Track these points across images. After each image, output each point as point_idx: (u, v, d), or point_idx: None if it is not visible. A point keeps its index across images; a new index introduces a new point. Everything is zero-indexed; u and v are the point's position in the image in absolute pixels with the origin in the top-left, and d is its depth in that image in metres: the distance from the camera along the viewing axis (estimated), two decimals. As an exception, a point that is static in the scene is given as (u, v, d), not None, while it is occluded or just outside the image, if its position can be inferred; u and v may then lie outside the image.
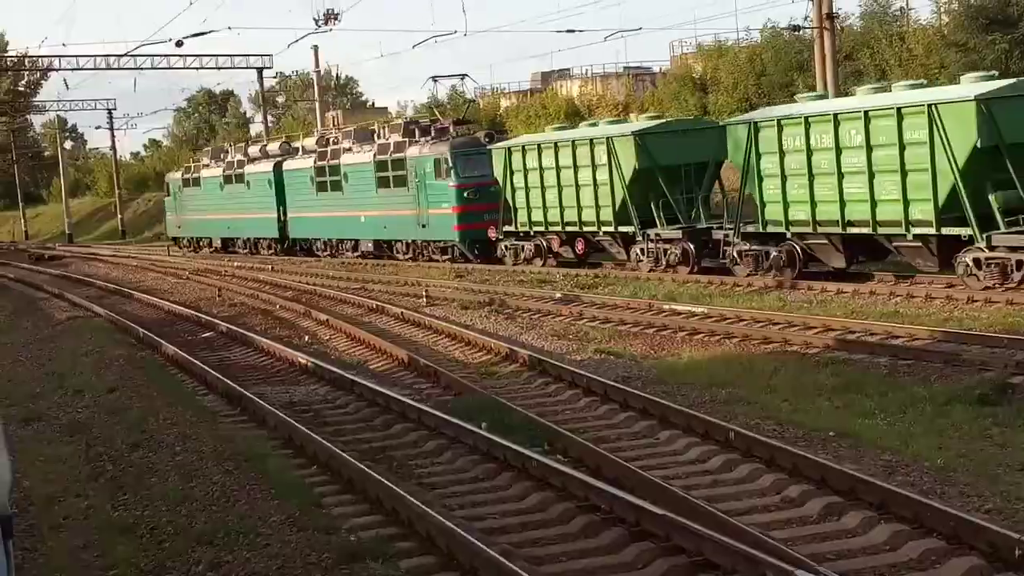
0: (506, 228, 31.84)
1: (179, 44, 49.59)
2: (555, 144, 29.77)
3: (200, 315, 24.72)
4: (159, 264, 43.00)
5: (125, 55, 58.53)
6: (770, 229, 23.51)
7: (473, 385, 14.62)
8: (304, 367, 17.28)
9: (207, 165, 51.79)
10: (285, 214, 44.08)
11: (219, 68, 61.53)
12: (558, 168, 29.67)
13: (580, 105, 58.32)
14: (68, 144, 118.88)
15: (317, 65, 57.79)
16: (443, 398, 14.40)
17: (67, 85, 69.30)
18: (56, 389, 16.91)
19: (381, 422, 13.29)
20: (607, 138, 28.20)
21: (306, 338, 21.18)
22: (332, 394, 15.21)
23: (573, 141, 29.20)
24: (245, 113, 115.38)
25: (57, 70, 62.98)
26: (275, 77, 69.15)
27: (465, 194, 33.90)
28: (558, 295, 23.72)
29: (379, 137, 38.78)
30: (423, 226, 35.50)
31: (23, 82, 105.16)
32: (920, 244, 20.93)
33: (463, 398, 13.99)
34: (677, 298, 22.11)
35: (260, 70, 62.03)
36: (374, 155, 37.83)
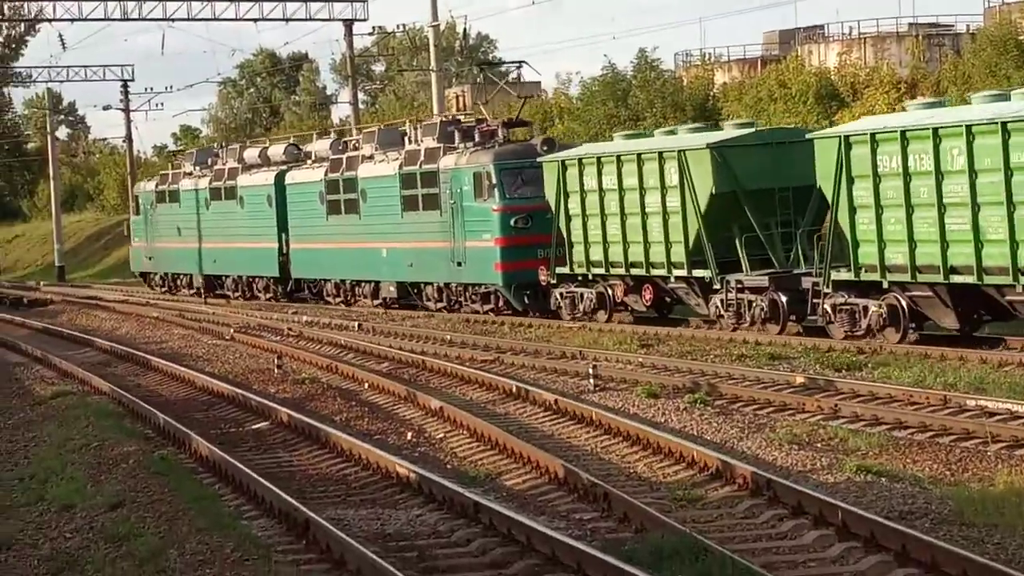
0: (560, 269, 34.67)
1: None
2: (617, 157, 32.32)
3: (249, 396, 25.25)
4: (190, 316, 44.15)
5: None
6: (864, 276, 26.40)
7: (664, 517, 14.56)
8: (405, 480, 17.46)
9: (189, 173, 55.19)
10: (287, 244, 47.50)
11: (287, 21, 63.04)
12: (621, 190, 32.41)
13: (839, 81, 58.02)
14: (63, 132, 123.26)
15: (435, 17, 58.70)
16: (617, 535, 14.36)
17: (63, 44, 71.51)
18: (34, 502, 17.41)
19: (519, 570, 13.34)
20: (679, 151, 30.53)
21: (409, 436, 21.42)
22: (445, 523, 15.32)
23: (639, 154, 31.74)
24: (324, 88, 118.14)
25: (50, 20, 65.41)
26: (371, 34, 70.20)
27: (512, 221, 36.81)
28: (799, 380, 23.52)
29: (409, 141, 41.69)
30: (458, 264, 38.41)
31: None
32: None
33: (648, 537, 13.94)
34: (988, 389, 21.73)
35: (348, 24, 63.27)
36: (400, 165, 41.00)
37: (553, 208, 35.01)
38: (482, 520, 15.02)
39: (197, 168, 55.25)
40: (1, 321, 47.54)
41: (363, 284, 44.10)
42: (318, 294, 47.12)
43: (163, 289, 57.77)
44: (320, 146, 48.15)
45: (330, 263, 45.34)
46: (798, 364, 25.74)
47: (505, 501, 16.21)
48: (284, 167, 48.97)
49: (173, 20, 61.71)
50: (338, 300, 45.43)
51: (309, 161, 48.08)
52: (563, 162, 34.58)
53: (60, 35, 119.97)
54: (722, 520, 14.98)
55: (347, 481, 18.25)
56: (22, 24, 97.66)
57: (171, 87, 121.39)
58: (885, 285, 26.63)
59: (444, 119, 43.15)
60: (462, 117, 44.68)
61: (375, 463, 18.64)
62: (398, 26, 72.88)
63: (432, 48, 58.43)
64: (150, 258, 58.67)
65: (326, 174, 45.19)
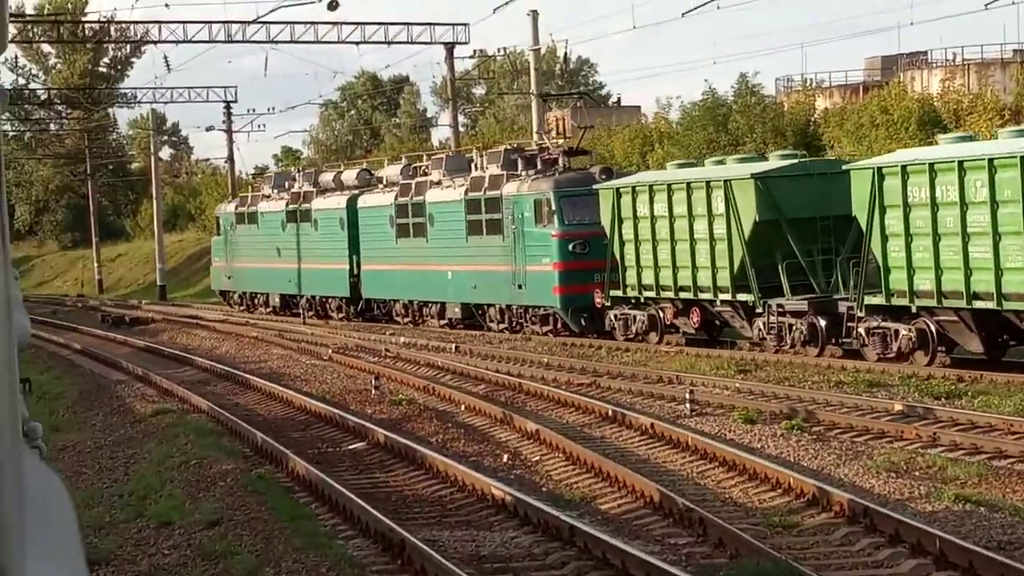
0: (614, 292, 36.80)
1: (332, 7, 51.47)
2: (668, 186, 34.62)
3: (347, 416, 25.41)
4: (289, 336, 44.50)
5: (253, 22, 61.14)
6: (895, 301, 28.40)
7: (759, 543, 14.51)
8: (500, 502, 17.49)
9: (267, 196, 57.90)
10: (359, 265, 49.76)
11: (389, 44, 63.44)
12: (671, 217, 34.56)
13: (942, 108, 57.58)
14: (166, 152, 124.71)
15: (536, 41, 58.88)
16: (712, 561, 14.33)
17: (168, 65, 72.28)
18: (133, 518, 17.62)
19: (613, 594, 13.32)
20: (725, 181, 32.73)
21: (504, 458, 21.47)
22: (540, 546, 15.34)
23: (688, 183, 33.99)
24: (425, 111, 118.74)
25: (155, 43, 66.16)
26: (472, 57, 70.58)
27: (570, 246, 38.92)
28: (897, 408, 23.38)
29: (475, 168, 44.10)
30: (519, 287, 40.61)
31: (106, 60, 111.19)
32: None
33: (743, 563, 13.90)
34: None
35: (450, 47, 63.58)
36: (466, 191, 43.21)
37: (608, 234, 36.80)
38: (577, 543, 15.03)
39: (275, 191, 57.44)
40: (103, 339, 48.12)
41: (430, 305, 45.92)
42: (387, 314, 48.77)
43: (241, 308, 59.76)
44: (391, 171, 50.27)
45: (399, 284, 47.29)
46: (896, 392, 25.58)
47: (600, 525, 16.22)
48: (356, 191, 50.91)
49: (276, 43, 62.24)
50: (406, 320, 47.19)
51: (380, 186, 50.04)
52: (617, 190, 36.45)
53: (165, 57, 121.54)
54: (818, 547, 14.91)
55: (442, 502, 18.31)
56: (128, 46, 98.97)
57: (273, 109, 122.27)
58: (913, 310, 28.33)
59: (508, 147, 44.94)
60: (527, 145, 46.83)
61: (471, 485, 18.69)
62: (499, 50, 73.21)
63: (532, 71, 58.60)
64: (229, 277, 60.84)
65: (396, 198, 47.10)
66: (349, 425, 24.62)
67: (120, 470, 21.68)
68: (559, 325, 39.48)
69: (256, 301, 58.82)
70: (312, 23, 61.84)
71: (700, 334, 35.04)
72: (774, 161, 34.54)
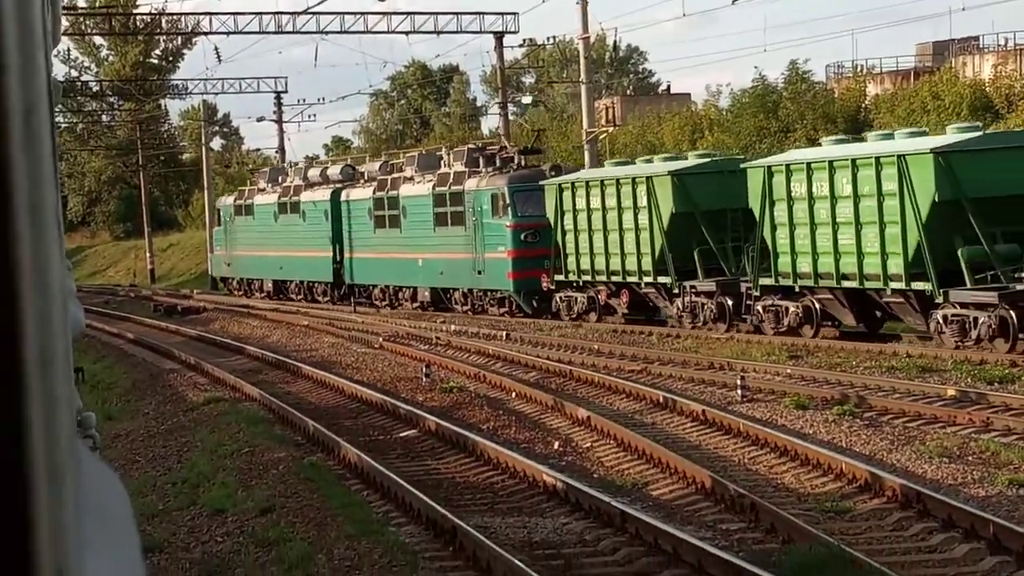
0: (558, 277, 41.32)
1: (381, -3, 51.57)
2: (602, 182, 39.23)
3: (398, 404, 25.45)
4: (340, 324, 44.61)
5: (304, 12, 61.29)
6: (781, 282, 32.67)
7: (812, 529, 14.46)
8: (551, 489, 17.49)
9: (263, 189, 62.44)
10: (341, 253, 54.38)
11: (439, 34, 63.51)
12: (604, 209, 38.93)
13: (993, 93, 57.25)
14: (217, 143, 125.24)
15: (586, 30, 58.77)
16: (764, 546, 14.29)
17: (219, 57, 72.55)
18: (187, 506, 17.71)
19: (665, 580, 13.29)
20: (647, 177, 37.24)
21: (555, 445, 21.46)
22: (592, 532, 15.33)
23: (617, 180, 38.42)
24: (475, 100, 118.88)
25: (206, 34, 66.43)
26: (522, 46, 70.66)
27: (522, 236, 43.21)
28: (950, 392, 23.25)
29: (444, 165, 48.37)
30: (479, 272, 44.94)
31: (157, 51, 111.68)
32: (902, 300, 30.03)
33: (795, 548, 13.86)
34: None
35: (499, 36, 63.57)
36: (433, 186, 47.62)
37: (552, 224, 41.35)
38: (629, 529, 15.02)
39: (269, 185, 61.75)
40: (156, 328, 48.36)
41: (404, 289, 50.44)
42: (368, 298, 52.86)
43: (239, 292, 64.10)
44: (372, 167, 54.97)
45: (377, 271, 51.82)
46: (949, 377, 25.44)
47: (652, 511, 16.20)
48: (340, 185, 55.53)
49: (326, 33, 62.35)
50: (384, 303, 51.24)
51: (362, 180, 54.45)
52: (560, 185, 41.18)
53: (216, 48, 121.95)
54: (871, 532, 14.86)
55: (494, 489, 18.32)
56: (179, 37, 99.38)
57: (323, 99, 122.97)
58: (797, 289, 32.55)
59: (472, 146, 49.63)
60: (490, 144, 50.92)
61: (522, 471, 18.70)
62: (548, 38, 73.16)
63: (582, 60, 58.48)
64: (228, 264, 65.41)
65: (374, 192, 51.64)
66: (400, 413, 24.66)
67: (173, 458, 21.79)
68: (514, 307, 43.59)
69: (252, 287, 63.01)
70: (362, 13, 61.96)
71: (634, 313, 39.13)
72: (692, 160, 38.87)
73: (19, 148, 1.01)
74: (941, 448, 19.06)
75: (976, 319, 27.86)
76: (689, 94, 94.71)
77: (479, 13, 62.89)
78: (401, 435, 23.01)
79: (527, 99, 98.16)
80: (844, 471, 17.41)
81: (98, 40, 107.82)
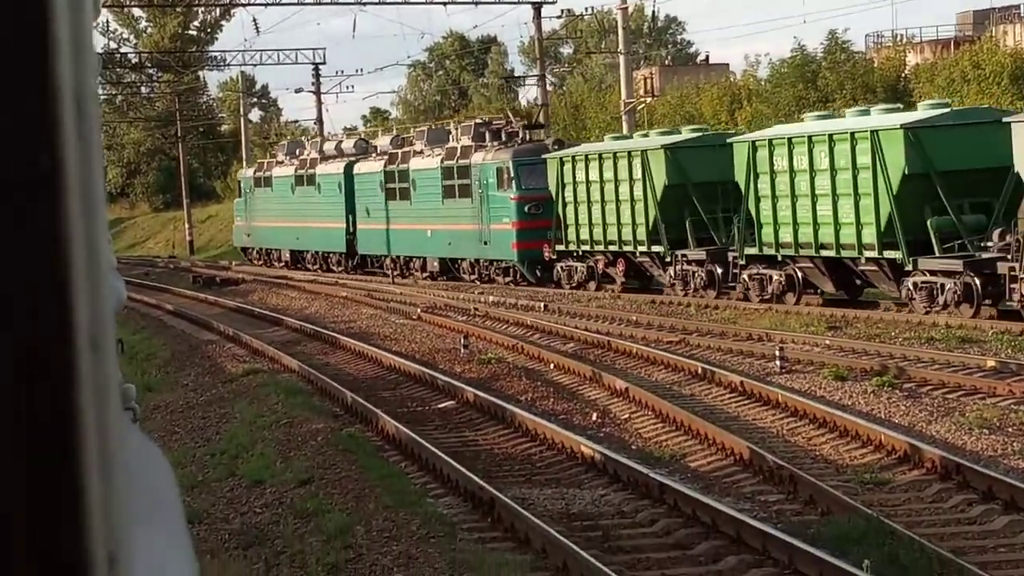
0: (559, 247, 43.27)
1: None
2: (600, 156, 41.22)
3: (436, 375, 25.50)
4: (379, 296, 44.71)
5: (340, -17, 61.21)
6: (765, 251, 34.43)
7: (851, 500, 14.45)
8: (589, 460, 17.52)
9: (281, 162, 65.08)
10: (354, 224, 56.53)
11: (476, 4, 63.41)
12: (602, 182, 40.93)
13: (1034, 63, 56.86)
14: (255, 115, 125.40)
15: (624, 0, 58.66)
16: (803, 518, 14.29)
17: (257, 28, 73.26)
18: (225, 477, 17.80)
19: (704, 551, 13.31)
20: (642, 151, 39.12)
21: (593, 416, 21.49)
22: (630, 503, 15.36)
23: (615, 153, 40.44)
24: (512, 70, 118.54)
25: (245, 5, 66.61)
26: (559, 17, 70.45)
27: (526, 208, 45.08)
28: (990, 364, 23.18)
29: (452, 139, 50.30)
30: (485, 243, 46.88)
31: (196, 23, 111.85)
32: (875, 268, 31.80)
33: (834, 520, 13.85)
34: None
35: (537, 7, 63.45)
36: (442, 160, 49.54)
37: (553, 196, 43.18)
38: (667, 501, 15.04)
39: (287, 158, 64.14)
40: (195, 300, 48.53)
41: (414, 259, 52.27)
42: (380, 267, 54.66)
43: (259, 262, 66.58)
44: (383, 141, 57.33)
45: (388, 241, 53.57)
46: (989, 348, 25.35)
47: (690, 482, 16.22)
48: (353, 158, 57.62)
49: (364, 4, 62.37)
50: (395, 273, 52.46)
51: (374, 154, 56.47)
52: (561, 159, 43.04)
53: (254, 19, 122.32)
54: (910, 504, 14.85)
55: (532, 461, 18.36)
56: (217, 9, 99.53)
57: (361, 70, 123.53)
58: (779, 258, 34.27)
59: (478, 121, 51.18)
60: (496, 119, 52.55)
61: (560, 443, 18.73)
62: (587, 8, 72.90)
63: (620, 30, 58.42)
64: (248, 235, 67.91)
65: (385, 166, 53.65)
66: (438, 384, 24.71)
67: (212, 429, 21.90)
68: (518, 276, 45.52)
69: (271, 256, 65.51)
70: (399, -16, 61.88)
71: (630, 281, 41.14)
72: (685, 134, 40.50)
73: (71, 132, 1.02)
74: (981, 419, 19.02)
75: (943, 285, 29.55)
76: (728, 64, 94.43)
77: (517, -17, 62.79)
78: (439, 406, 23.06)
79: (547, 78, 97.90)
80: (883, 442, 17.39)
81: (137, 11, 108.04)
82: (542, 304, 38.23)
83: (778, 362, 24.56)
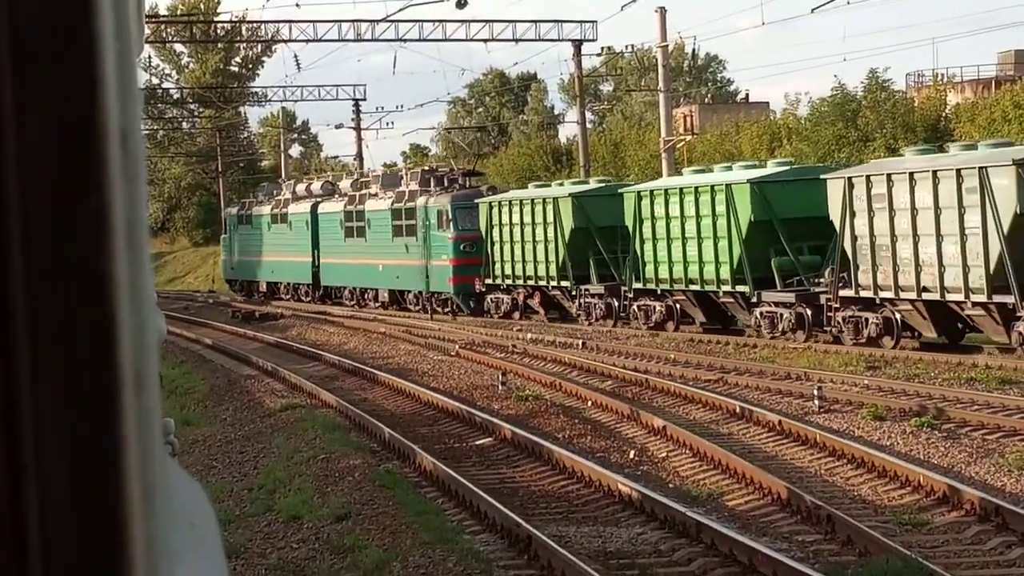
0: (488, 281, 48.92)
1: (461, 5, 51.83)
2: (520, 201, 47.70)
3: (474, 412, 25.50)
4: (417, 332, 44.77)
5: (382, 20, 61.58)
6: (648, 286, 40.60)
7: (889, 541, 14.39)
8: (626, 499, 17.48)
9: (260, 202, 71.40)
10: (319, 258, 62.27)
11: (517, 41, 63.65)
12: (522, 224, 47.04)
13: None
14: (296, 150, 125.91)
15: (664, 38, 58.76)
16: (840, 558, 14.24)
17: (298, 64, 73.18)
18: (263, 512, 17.82)
19: (740, 591, 13.26)
20: (554, 199, 45.56)
21: (631, 454, 21.45)
22: (667, 542, 15.32)
23: (532, 200, 46.91)
24: (553, 108, 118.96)
25: (286, 42, 66.95)
26: (599, 55, 70.72)
27: (462, 246, 50.50)
28: (1032, 404, 23.07)
29: (403, 184, 56.57)
30: (427, 277, 52.37)
31: (237, 59, 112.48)
32: (732, 299, 37.87)
33: (872, 561, 13.80)
34: None
35: (578, 44, 63.66)
36: (392, 202, 55.51)
37: (484, 236, 49.04)
38: (704, 540, 15.00)
39: (266, 198, 70.45)
40: (234, 335, 48.67)
41: (368, 291, 58.08)
42: (340, 298, 60.83)
43: (243, 294, 71.78)
44: (345, 184, 64.34)
45: (347, 274, 59.50)
46: (1030, 389, 25.22)
47: (727, 521, 16.17)
48: (319, 199, 63.71)
49: (405, 41, 62.74)
50: (352, 303, 58.96)
51: (337, 196, 62.77)
52: (489, 203, 49.10)
53: (295, 56, 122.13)
54: (948, 546, 14.78)
55: (569, 498, 18.34)
56: (259, 45, 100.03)
57: (401, 106, 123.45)
58: (659, 292, 40.40)
59: (424, 169, 57.73)
60: (441, 166, 59.63)
61: (597, 481, 18.71)
62: (627, 46, 73.11)
63: (660, 68, 58.44)
64: (232, 268, 73.68)
65: (345, 206, 59.66)
66: (476, 421, 24.71)
67: (250, 464, 21.93)
68: (455, 307, 50.86)
69: (252, 288, 70.94)
70: (441, 21, 62.28)
71: (552, 312, 46.85)
72: (593, 184, 47.48)
73: (117, 173, 1.04)
74: (1021, 461, 18.91)
75: (782, 315, 35.51)
76: (768, 102, 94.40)
77: (557, 21, 63.16)
78: (477, 443, 23.05)
79: (582, 115, 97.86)
80: (922, 483, 17.32)
81: (179, 47, 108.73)
82: (580, 341, 38.23)
83: (816, 401, 24.50)
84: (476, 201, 50.03)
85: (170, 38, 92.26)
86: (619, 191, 42.76)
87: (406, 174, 57.59)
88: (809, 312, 34.52)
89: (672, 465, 20.49)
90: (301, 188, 66.82)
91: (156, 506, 1.07)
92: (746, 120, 75.22)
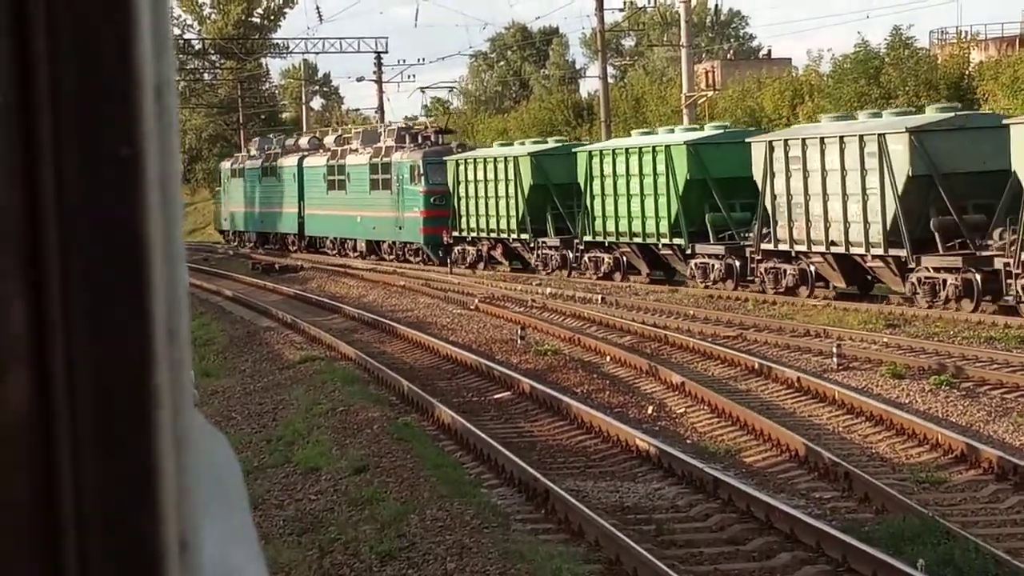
0: (455, 234, 52.38)
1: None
2: (485, 160, 50.98)
3: (493, 365, 25.54)
4: (436, 285, 44.82)
5: (404, -27, 61.35)
6: (598, 239, 43.99)
7: (906, 499, 14.40)
8: (644, 454, 17.52)
9: (252, 156, 75.04)
10: (304, 210, 66.04)
11: (539, -6, 63.39)
12: (486, 181, 50.27)
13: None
14: (317, 103, 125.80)
15: (686, -9, 58.49)
16: (857, 515, 14.25)
17: (320, 16, 73.66)
18: (281, 463, 17.89)
19: (758, 546, 13.29)
20: (515, 157, 48.55)
21: (649, 409, 21.48)
22: (684, 498, 15.35)
23: (495, 158, 50.18)
24: (574, 63, 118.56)
25: (307, -6, 66.62)
26: (622, 10, 70.44)
27: (432, 200, 53.95)
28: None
29: (380, 140, 59.64)
30: (400, 228, 56.35)
31: (259, 10, 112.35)
32: (670, 251, 41.23)
33: (889, 518, 13.81)
34: None
35: (600, -2, 63.36)
36: (370, 157, 58.83)
37: (451, 192, 52.56)
38: (721, 496, 15.04)
39: (258, 152, 73.94)
40: (253, 287, 48.74)
41: (348, 241, 61.86)
42: (323, 248, 64.67)
43: (235, 243, 76.13)
44: (329, 139, 67.38)
45: (329, 225, 63.30)
46: (1050, 348, 25.19)
47: (745, 478, 16.21)
48: (306, 153, 67.22)
49: (426, -7, 62.58)
50: (334, 252, 62.75)
51: (322, 150, 66.38)
52: (456, 161, 52.66)
53: (317, 7, 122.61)
54: (965, 504, 14.79)
55: (587, 453, 18.38)
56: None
57: (423, 60, 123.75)
58: (607, 244, 43.80)
59: (401, 126, 61.34)
60: (416, 124, 64.27)
61: (615, 436, 18.74)
62: (649, 1, 72.72)
63: (683, 23, 58.30)
64: (225, 219, 77.76)
65: (328, 160, 63.43)
66: (495, 375, 24.75)
67: (268, 416, 22.01)
68: (425, 256, 54.80)
69: (242, 237, 75.16)
70: (462, -26, 62.05)
71: (514, 264, 50.27)
72: (551, 144, 50.45)
73: (151, 125, 1.04)
74: (1039, 421, 18.91)
75: (714, 265, 38.67)
76: (790, 59, 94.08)
77: (580, -25, 62.79)
78: (495, 397, 23.10)
79: (598, 73, 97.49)
80: (940, 442, 17.33)
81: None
82: (599, 296, 38.23)
83: (835, 359, 24.49)
84: (444, 159, 53.59)
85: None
86: (573, 150, 46.73)
87: (384, 131, 61.14)
88: (737, 263, 38.02)
89: (690, 421, 20.52)
90: (290, 142, 71.17)
91: (188, 459, 1.08)
92: (768, 76, 74.94)
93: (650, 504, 15.20)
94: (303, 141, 69.57)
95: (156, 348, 1.04)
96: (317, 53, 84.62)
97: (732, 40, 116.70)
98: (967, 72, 61.64)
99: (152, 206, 1.04)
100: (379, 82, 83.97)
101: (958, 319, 29.61)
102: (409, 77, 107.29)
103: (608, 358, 26.75)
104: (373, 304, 40.48)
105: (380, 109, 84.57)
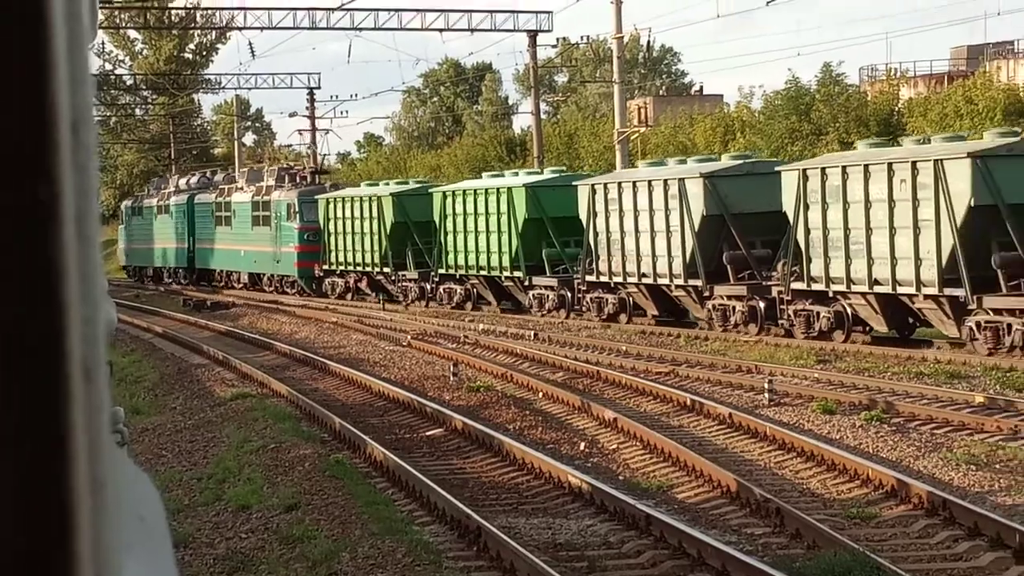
0: (326, 267, 56.26)
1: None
2: (351, 198, 54.75)
3: (425, 402, 25.48)
4: (369, 322, 44.72)
5: (338, 9, 61.45)
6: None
7: (836, 534, 14.45)
8: (576, 490, 17.50)
9: (150, 195, 79.24)
10: (194, 244, 70.10)
11: (472, 31, 63.61)
12: (354, 218, 53.86)
13: (1029, 97, 57.05)
14: (249, 138, 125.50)
15: (619, 29, 58.78)
16: (789, 551, 14.29)
17: (253, 52, 72.84)
18: (212, 501, 17.77)
19: (689, 583, 13.29)
20: (378, 197, 52.43)
21: (581, 446, 21.47)
22: (616, 534, 15.34)
23: (360, 197, 53.99)
24: (507, 98, 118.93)
25: (240, 29, 66.73)
26: (555, 46, 70.70)
27: (306, 236, 57.63)
28: (979, 399, 23.20)
29: (264, 179, 63.76)
30: (277, 262, 60.21)
31: (191, 46, 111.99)
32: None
33: (820, 554, 13.85)
34: None
35: (533, 35, 63.68)
36: (253, 195, 62.90)
37: (322, 227, 56.24)
38: (653, 532, 15.03)
39: (154, 191, 78.32)
40: (185, 323, 48.50)
41: (233, 274, 65.73)
42: (210, 280, 68.70)
43: (135, 279, 78.92)
44: (218, 178, 72.25)
45: (216, 258, 67.23)
46: (978, 384, 25.38)
47: (677, 514, 16.21)
48: (196, 191, 71.44)
49: (360, 29, 62.62)
50: (221, 285, 66.70)
51: (210, 188, 70.18)
52: (326, 199, 56.65)
53: (250, 43, 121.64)
54: (896, 539, 14.86)
55: (519, 490, 18.35)
56: (213, 32, 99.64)
57: (356, 95, 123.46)
58: (458, 276, 47.52)
59: (281, 167, 65.91)
60: (295, 165, 69.45)
61: (547, 472, 18.73)
62: (582, 37, 72.98)
63: (615, 60, 58.48)
64: (127, 256, 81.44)
65: (215, 197, 67.42)
66: (427, 411, 24.70)
67: (199, 453, 21.87)
68: (299, 288, 58.35)
69: (141, 272, 78.37)
70: (395, 10, 62.19)
71: (380, 295, 53.05)
72: (412, 185, 54.93)
73: (67, 162, 1.03)
74: (968, 455, 19.04)
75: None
76: (722, 95, 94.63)
77: (513, 11, 63.18)
78: (427, 434, 23.05)
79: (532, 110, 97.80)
80: (870, 477, 17.40)
81: (132, 34, 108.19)
82: (532, 332, 38.25)
83: (767, 394, 24.58)
84: (316, 197, 57.51)
85: (124, 24, 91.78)
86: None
87: (266, 170, 65.46)
88: (568, 294, 41.64)
89: (623, 457, 20.53)
90: (182, 181, 75.14)
91: (104, 500, 1.06)
92: (700, 113, 75.40)
93: (582, 541, 15.19)
94: (193, 180, 74.40)
95: (71, 388, 1.02)
96: (249, 88, 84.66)
97: (664, 76, 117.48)
98: (896, 108, 62.27)
99: (68, 244, 1.02)
100: (312, 117, 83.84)
101: (888, 354, 29.80)
102: (342, 113, 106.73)
103: (541, 394, 26.75)
104: (305, 341, 40.35)
105: (312, 144, 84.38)
